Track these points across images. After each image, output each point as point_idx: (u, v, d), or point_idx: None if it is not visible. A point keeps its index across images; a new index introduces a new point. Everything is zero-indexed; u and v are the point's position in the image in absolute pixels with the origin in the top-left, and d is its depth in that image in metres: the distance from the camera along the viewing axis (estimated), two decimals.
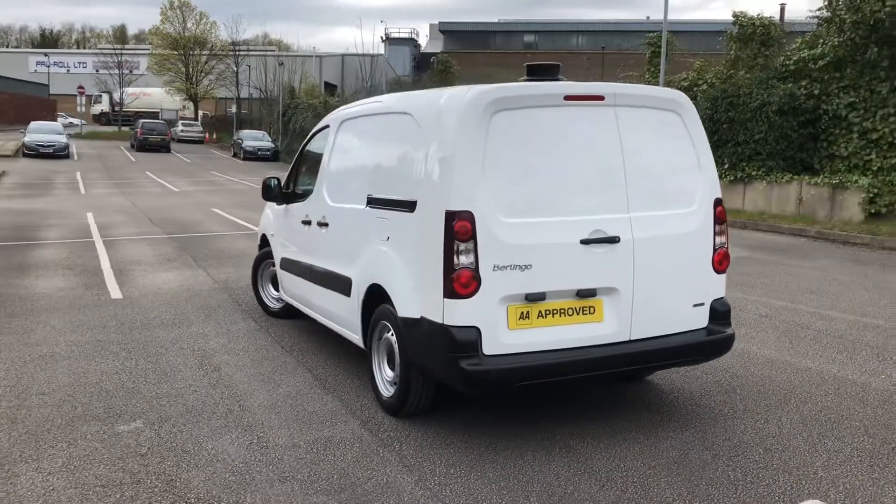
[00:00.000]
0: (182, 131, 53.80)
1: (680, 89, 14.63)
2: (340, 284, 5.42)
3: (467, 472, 4.07)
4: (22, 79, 66.13)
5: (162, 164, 35.90)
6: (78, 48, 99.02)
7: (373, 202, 5.03)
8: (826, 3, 16.99)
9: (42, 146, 36.29)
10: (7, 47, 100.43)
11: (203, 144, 53.55)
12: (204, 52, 62.19)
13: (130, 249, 11.68)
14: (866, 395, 5.40)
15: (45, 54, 76.35)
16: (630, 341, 4.49)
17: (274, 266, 7.21)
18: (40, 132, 37.70)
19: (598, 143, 4.49)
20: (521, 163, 4.30)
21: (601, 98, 4.50)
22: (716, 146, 16.53)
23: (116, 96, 63.29)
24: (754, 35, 19.83)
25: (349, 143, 5.83)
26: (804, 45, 17.94)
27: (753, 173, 17.53)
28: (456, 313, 4.15)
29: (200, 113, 65.53)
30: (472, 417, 4.82)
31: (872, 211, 15.19)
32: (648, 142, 4.63)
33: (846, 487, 3.96)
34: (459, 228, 4.11)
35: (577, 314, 4.37)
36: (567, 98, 4.42)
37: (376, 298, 4.90)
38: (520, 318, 4.24)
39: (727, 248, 4.88)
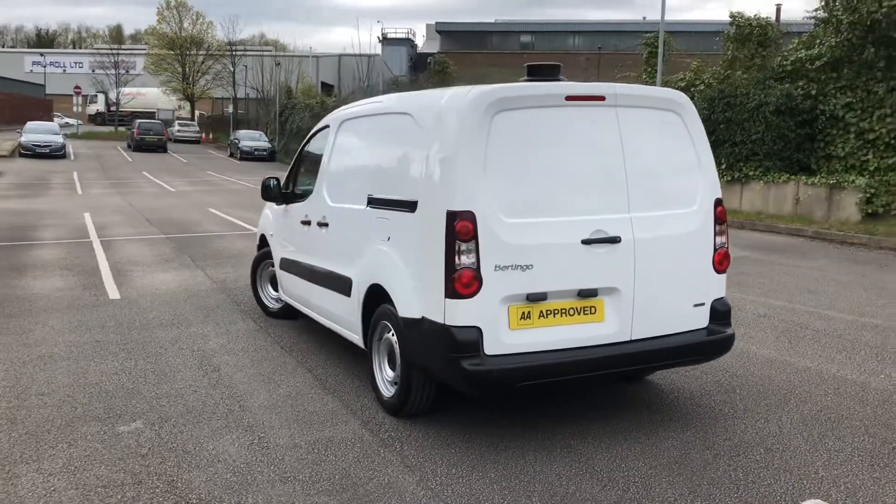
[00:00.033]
0: (178, 131, 53.73)
1: (677, 90, 14.65)
2: (340, 284, 5.42)
3: (469, 473, 4.07)
4: (18, 79, 65.93)
5: (159, 164, 35.85)
6: (74, 48, 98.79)
7: (373, 202, 5.03)
8: (823, 3, 17.02)
9: (38, 146, 36.24)
10: (3, 47, 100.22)
11: (199, 144, 53.46)
12: (200, 52, 62.08)
13: (128, 250, 11.66)
14: (866, 394, 5.41)
15: (41, 54, 76.10)
16: (631, 341, 4.50)
17: (273, 266, 7.21)
18: (36, 132, 37.66)
19: (599, 143, 4.50)
20: (522, 163, 4.31)
21: (602, 98, 4.50)
22: (713, 146, 16.45)
23: (113, 96, 63.15)
24: (751, 35, 19.87)
25: (349, 143, 5.83)
26: (801, 46, 17.98)
27: (751, 173, 17.56)
28: (457, 313, 4.15)
29: (197, 113, 65.44)
30: (474, 417, 4.82)
31: (869, 211, 15.22)
32: (649, 142, 4.64)
33: (847, 487, 3.96)
34: (461, 228, 4.11)
35: (579, 314, 4.37)
36: (568, 98, 4.43)
37: (377, 298, 4.89)
38: (521, 318, 4.24)
39: (727, 248, 4.89)
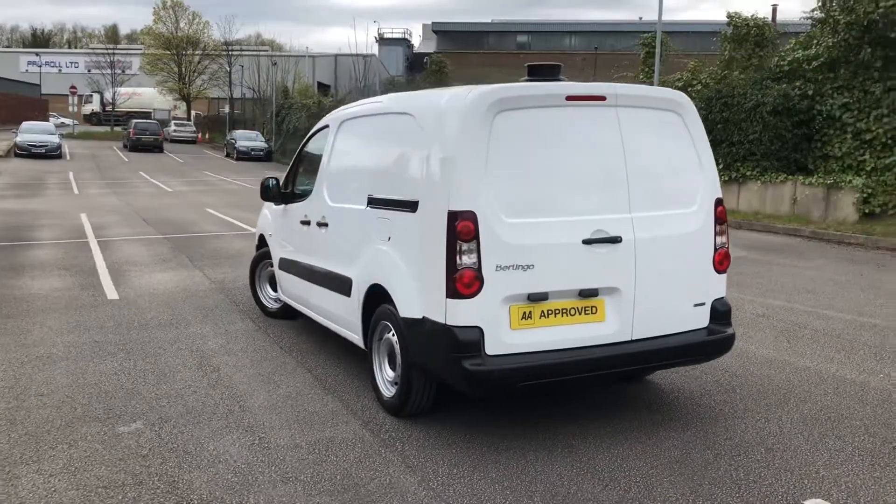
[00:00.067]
0: (175, 131, 53.62)
1: (674, 90, 14.67)
2: (340, 285, 5.41)
3: (470, 473, 4.06)
4: (13, 79, 65.74)
5: (155, 164, 35.78)
6: (70, 48, 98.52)
7: (374, 202, 5.02)
8: (820, 3, 17.06)
9: (34, 146, 36.12)
10: None
11: (196, 144, 53.37)
12: (197, 52, 61.97)
13: (125, 250, 11.64)
14: (865, 394, 5.42)
15: (37, 54, 75.81)
16: (631, 341, 4.50)
17: (272, 266, 7.20)
18: (32, 132, 37.52)
19: (599, 143, 4.50)
20: (522, 163, 4.31)
21: (603, 98, 4.51)
22: (710, 146, 16.52)
23: (108, 96, 63.00)
24: (748, 36, 19.91)
25: (349, 143, 5.82)
26: (798, 46, 18.01)
27: (748, 173, 17.59)
28: (458, 313, 4.15)
29: (193, 113, 65.31)
30: (475, 417, 4.82)
31: (866, 211, 15.26)
32: (650, 142, 4.64)
33: (848, 486, 3.97)
34: (462, 228, 4.11)
35: (580, 314, 4.37)
36: (569, 98, 4.43)
37: (377, 298, 4.89)
38: (522, 318, 4.24)
39: (728, 248, 4.90)
